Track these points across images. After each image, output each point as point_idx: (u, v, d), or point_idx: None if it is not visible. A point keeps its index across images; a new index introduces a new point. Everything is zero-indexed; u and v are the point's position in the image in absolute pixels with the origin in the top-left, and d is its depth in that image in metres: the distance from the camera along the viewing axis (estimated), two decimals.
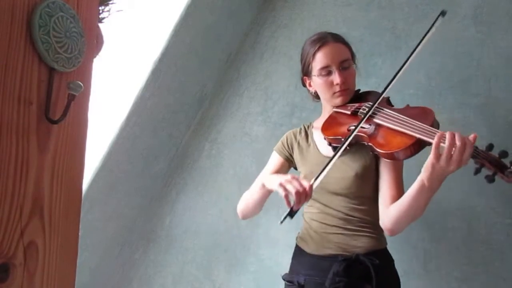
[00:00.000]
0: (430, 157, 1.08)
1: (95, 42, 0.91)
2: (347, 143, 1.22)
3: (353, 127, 1.25)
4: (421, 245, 1.68)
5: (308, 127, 1.50)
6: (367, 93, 1.45)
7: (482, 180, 1.06)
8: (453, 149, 1.04)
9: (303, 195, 1.15)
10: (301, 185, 1.16)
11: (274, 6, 2.14)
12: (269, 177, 1.38)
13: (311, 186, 1.17)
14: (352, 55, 1.41)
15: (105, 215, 1.90)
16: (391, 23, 1.89)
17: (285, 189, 1.17)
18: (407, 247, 1.67)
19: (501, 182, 1.06)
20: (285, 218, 1.14)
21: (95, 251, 1.90)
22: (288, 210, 1.14)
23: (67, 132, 0.81)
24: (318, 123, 1.47)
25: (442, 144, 1.06)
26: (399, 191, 1.27)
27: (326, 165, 1.21)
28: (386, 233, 1.29)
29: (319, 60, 1.36)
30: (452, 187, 1.54)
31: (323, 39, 1.37)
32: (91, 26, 0.88)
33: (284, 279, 1.41)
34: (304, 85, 1.49)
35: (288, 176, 1.20)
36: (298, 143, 1.46)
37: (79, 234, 0.84)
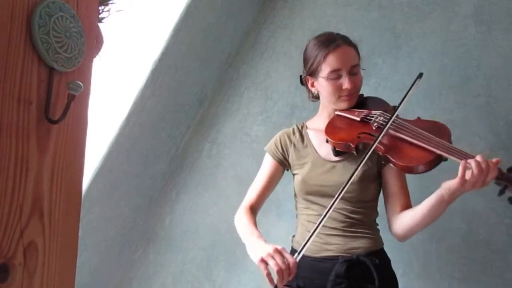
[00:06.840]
0: (456, 181, 1.11)
1: (95, 42, 0.91)
2: (366, 157, 1.22)
3: (364, 134, 1.27)
4: (421, 245, 1.68)
5: (302, 127, 1.46)
6: (368, 98, 1.45)
7: None
8: (478, 173, 1.07)
9: (286, 273, 1.07)
10: (284, 261, 1.07)
11: (274, 6, 2.14)
12: (252, 241, 1.23)
13: (295, 263, 1.09)
14: (359, 58, 1.39)
15: (105, 215, 1.89)
16: (391, 23, 1.89)
17: (267, 267, 1.09)
18: (407, 247, 1.66)
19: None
20: None
21: (95, 251, 1.89)
22: None
23: (67, 132, 0.81)
24: (313, 124, 1.45)
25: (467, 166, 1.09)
26: (408, 198, 1.31)
27: (341, 190, 1.20)
28: (396, 239, 1.32)
29: (330, 63, 1.32)
30: None
31: (335, 41, 1.33)
32: (91, 26, 0.88)
33: None
34: (303, 84, 1.46)
35: (270, 248, 1.11)
36: (294, 145, 1.42)
37: (79, 234, 0.84)
